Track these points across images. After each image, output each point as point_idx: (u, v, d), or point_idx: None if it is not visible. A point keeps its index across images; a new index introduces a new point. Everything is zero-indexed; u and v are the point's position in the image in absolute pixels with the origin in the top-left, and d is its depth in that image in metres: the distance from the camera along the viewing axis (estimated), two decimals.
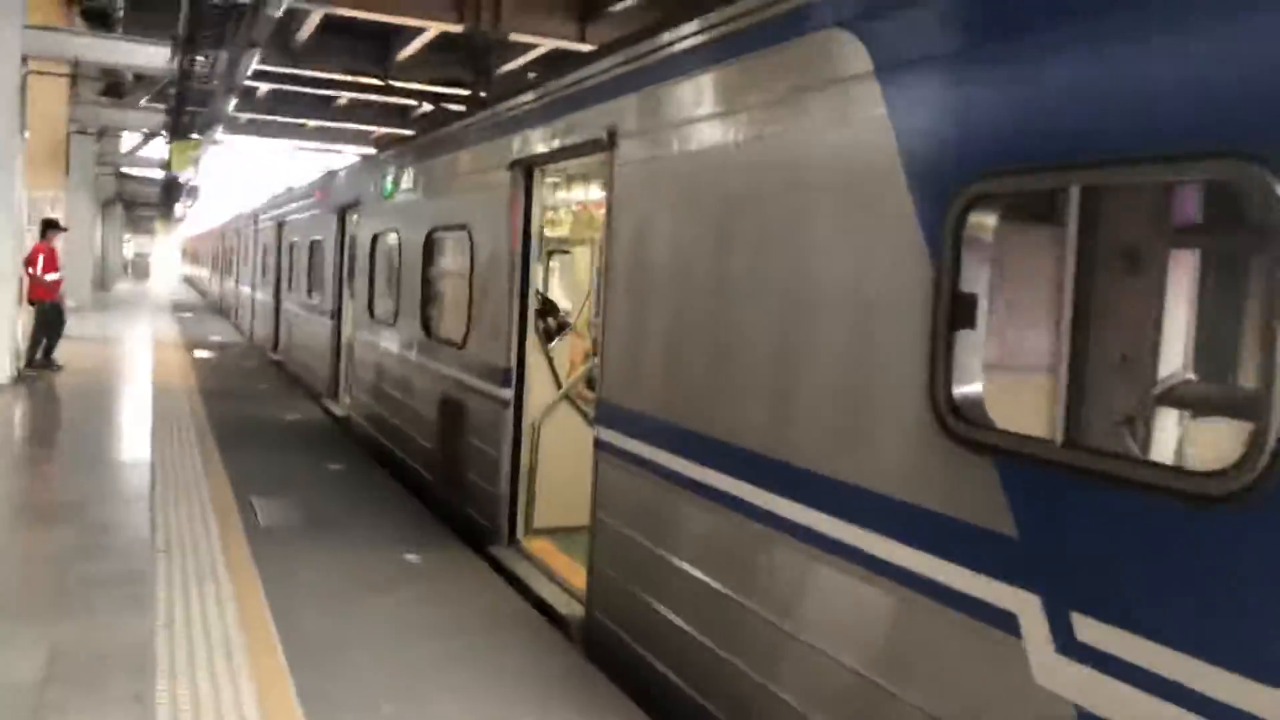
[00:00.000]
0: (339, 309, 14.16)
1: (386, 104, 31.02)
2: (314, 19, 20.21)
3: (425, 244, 9.56)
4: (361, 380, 12.12)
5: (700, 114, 4.84)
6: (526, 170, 7.33)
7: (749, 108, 4.48)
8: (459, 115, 9.48)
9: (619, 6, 18.63)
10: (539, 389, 7.52)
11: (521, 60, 23.18)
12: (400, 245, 10.43)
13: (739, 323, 4.50)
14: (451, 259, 9.25)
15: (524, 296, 7.38)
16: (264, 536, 7.48)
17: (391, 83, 20.23)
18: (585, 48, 18.35)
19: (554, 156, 6.89)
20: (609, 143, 5.74)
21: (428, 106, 26.80)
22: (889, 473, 3.48)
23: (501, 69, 22.58)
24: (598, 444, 5.84)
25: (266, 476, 9.43)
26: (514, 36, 19.73)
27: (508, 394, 7.43)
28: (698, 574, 4.71)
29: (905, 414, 3.34)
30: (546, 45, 21.04)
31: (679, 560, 4.90)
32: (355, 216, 13.22)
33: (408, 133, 24.47)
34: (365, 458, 10.60)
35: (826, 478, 3.76)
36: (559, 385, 7.71)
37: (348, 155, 32.82)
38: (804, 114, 4.10)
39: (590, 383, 7.88)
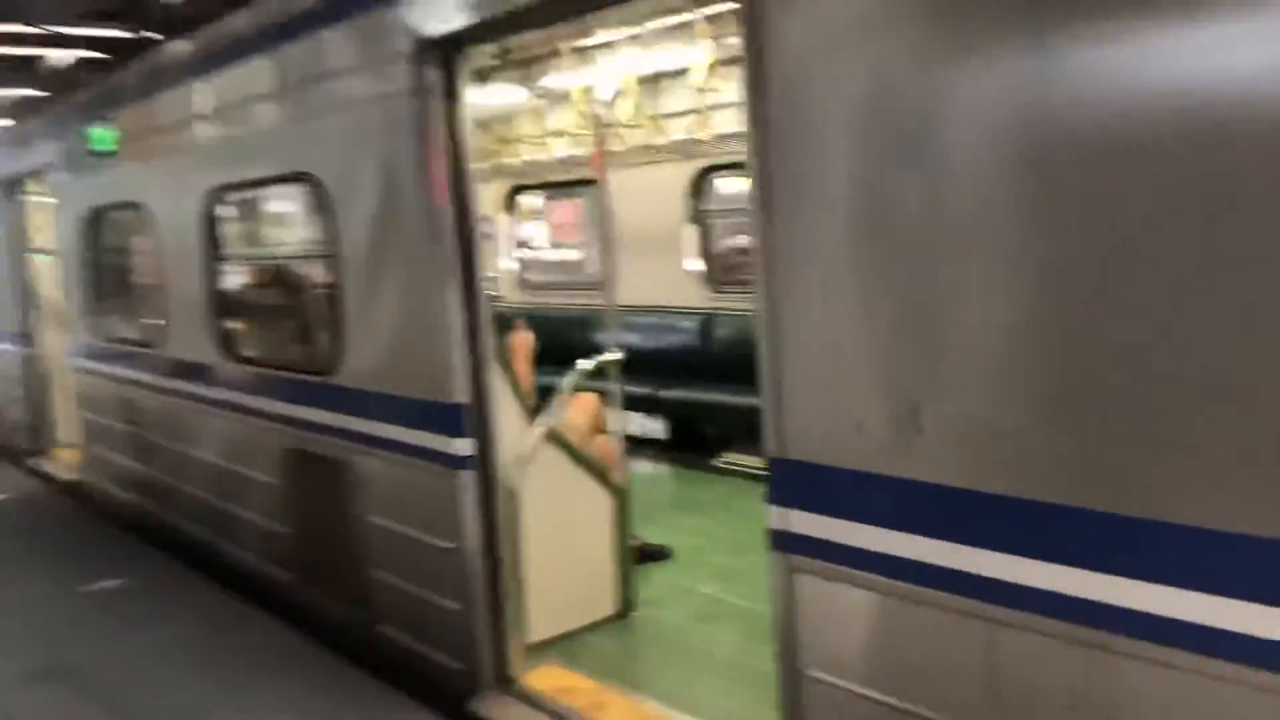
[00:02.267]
0: (31, 330, 9.97)
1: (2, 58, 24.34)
2: None
3: (206, 214, 6.06)
4: (104, 430, 8.24)
5: None
6: (445, 57, 4.22)
7: None
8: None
9: None
10: (508, 431, 4.52)
11: None
12: (154, 223, 6.79)
13: None
14: (279, 233, 5.87)
15: (470, 285, 4.32)
16: None
17: (45, 27, 15.09)
18: None
19: (532, 17, 3.84)
20: None
21: (70, 55, 21.08)
22: None
23: None
24: (785, 541, 3.07)
25: None
26: None
27: (463, 446, 4.37)
28: None
29: None
30: None
31: None
32: (42, 190, 9.13)
33: (40, 94, 19.08)
34: (150, 553, 6.97)
35: None
36: (528, 414, 4.72)
37: None
38: None
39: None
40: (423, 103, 4.25)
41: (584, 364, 4.91)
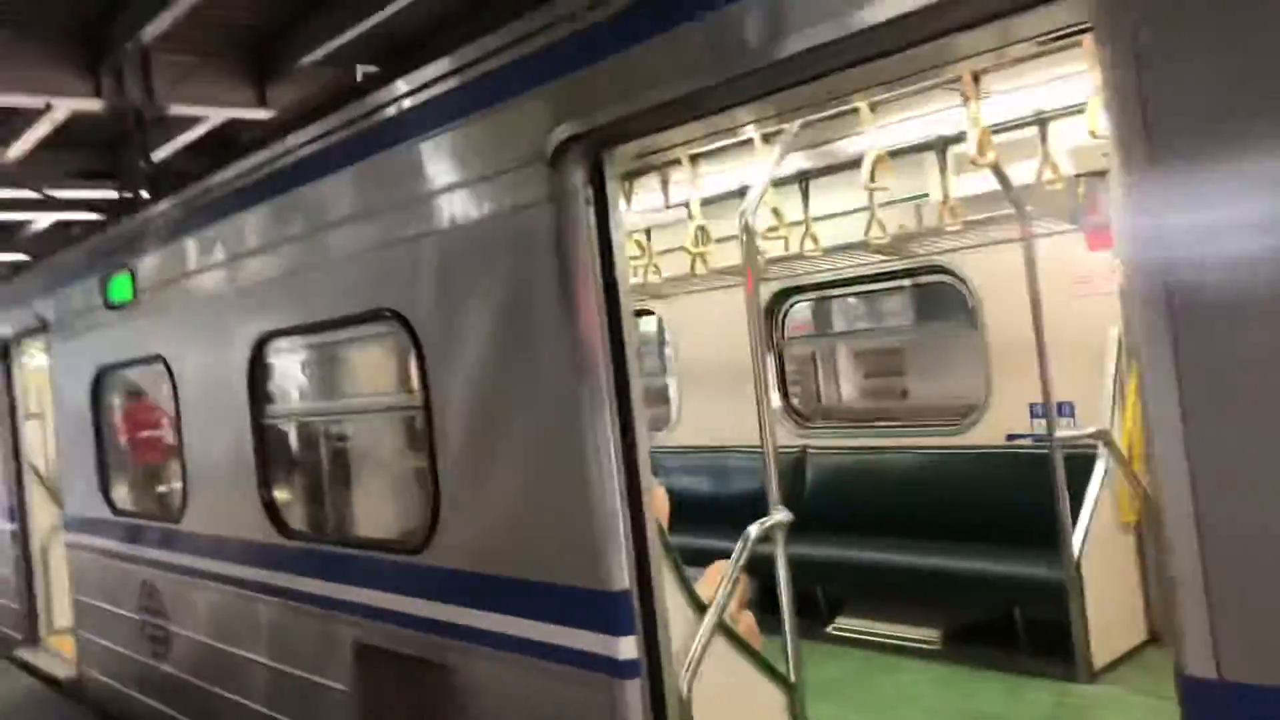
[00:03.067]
0: (21, 502, 8.88)
1: None
2: None
3: (251, 364, 5.14)
4: (109, 618, 7.11)
5: None
6: (593, 157, 3.40)
7: None
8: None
9: (305, 61, 13.86)
10: (677, 624, 3.53)
11: (183, 140, 17.82)
12: (181, 378, 5.85)
13: None
14: (344, 386, 4.95)
15: (628, 436, 3.41)
16: None
17: (44, 191, 14.47)
18: (264, 115, 13.94)
19: (707, 101, 3.06)
20: None
21: (46, 218, 20.12)
22: None
23: (158, 156, 17.20)
24: None
25: None
26: (175, 110, 14.79)
27: (627, 648, 3.38)
28: None
29: None
30: (217, 117, 16.17)
31: None
32: (40, 349, 8.21)
33: (19, 257, 18.37)
34: None
35: None
36: (698, 605, 3.72)
37: None
38: None
39: None
40: (564, 213, 3.42)
41: (754, 530, 3.96)
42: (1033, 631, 5.69)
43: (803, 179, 5.89)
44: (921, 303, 8.83)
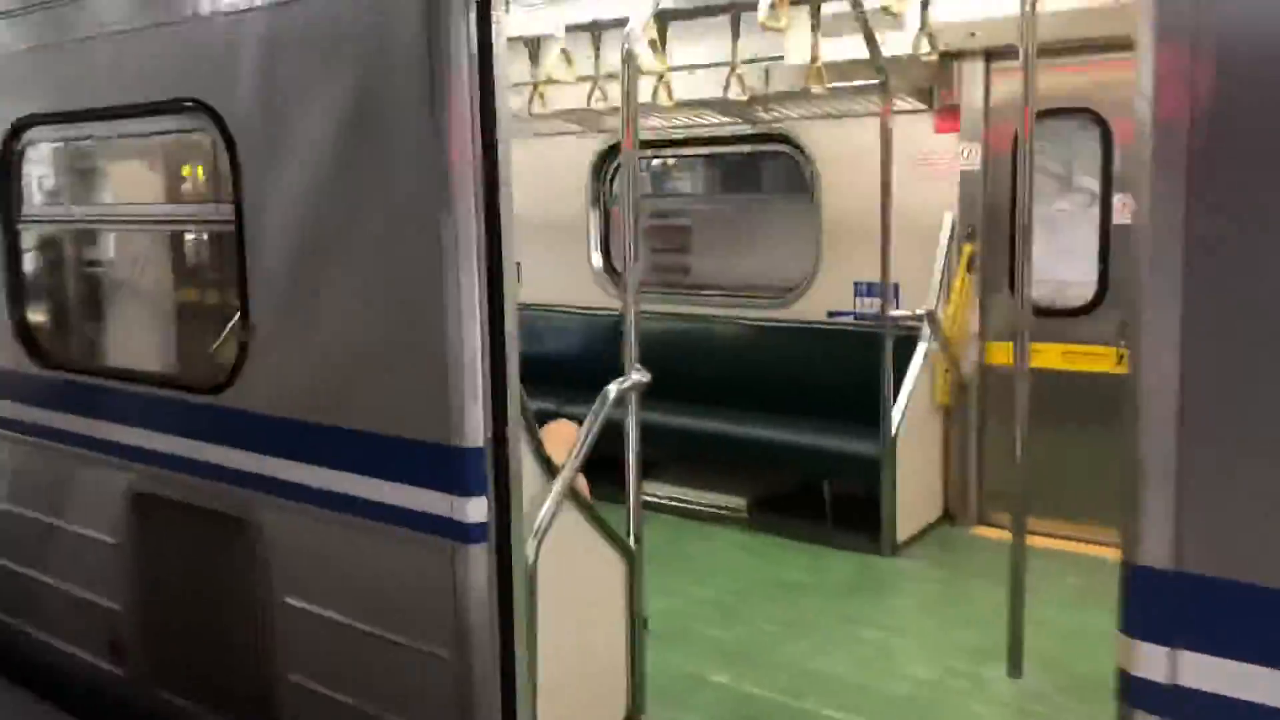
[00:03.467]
0: None
1: None
2: None
3: (4, 154, 4.22)
4: None
5: None
6: None
7: None
8: None
9: None
10: (530, 488, 3.20)
11: None
12: None
13: None
14: (133, 184, 4.16)
15: (495, 279, 2.97)
16: None
17: None
18: None
19: None
20: None
21: None
22: None
23: None
24: (1160, 699, 2.02)
25: None
26: None
27: (475, 510, 3.02)
28: None
29: None
30: None
31: None
32: None
33: None
34: None
35: None
36: (548, 467, 3.39)
37: None
38: None
39: None
40: (436, 6, 2.87)
41: (611, 390, 3.65)
42: (839, 505, 5.78)
43: (660, 20, 5.44)
44: (729, 176, 8.62)
